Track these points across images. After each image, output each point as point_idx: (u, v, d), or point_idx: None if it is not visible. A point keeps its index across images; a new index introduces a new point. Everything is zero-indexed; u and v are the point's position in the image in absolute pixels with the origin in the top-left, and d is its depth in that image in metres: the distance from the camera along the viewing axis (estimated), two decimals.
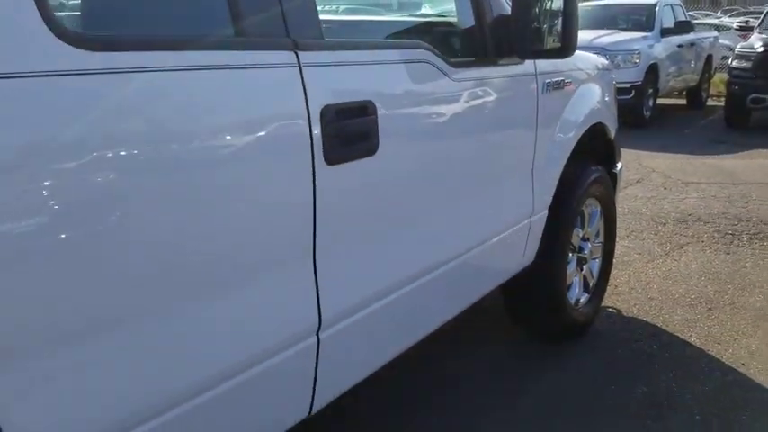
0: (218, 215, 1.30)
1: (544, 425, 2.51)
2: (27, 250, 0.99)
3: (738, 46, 10.01)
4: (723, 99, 10.26)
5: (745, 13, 30.82)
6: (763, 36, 9.47)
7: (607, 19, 10.60)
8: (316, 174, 1.48)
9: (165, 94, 1.19)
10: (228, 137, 1.30)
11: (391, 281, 1.78)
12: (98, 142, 1.08)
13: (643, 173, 6.67)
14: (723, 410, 2.60)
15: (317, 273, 1.54)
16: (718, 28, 16.08)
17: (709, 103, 12.12)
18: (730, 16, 30.24)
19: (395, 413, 2.56)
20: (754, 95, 8.94)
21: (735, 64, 9.41)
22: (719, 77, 12.78)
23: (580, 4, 9.76)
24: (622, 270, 3.99)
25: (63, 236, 1.04)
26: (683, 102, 12.05)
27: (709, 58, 11.85)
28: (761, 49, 9.01)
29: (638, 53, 9.30)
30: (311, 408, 1.63)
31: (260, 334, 1.43)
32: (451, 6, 2.26)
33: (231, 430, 1.43)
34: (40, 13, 1.01)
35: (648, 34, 9.94)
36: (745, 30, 13.16)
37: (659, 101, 10.34)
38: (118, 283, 1.13)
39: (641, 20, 10.46)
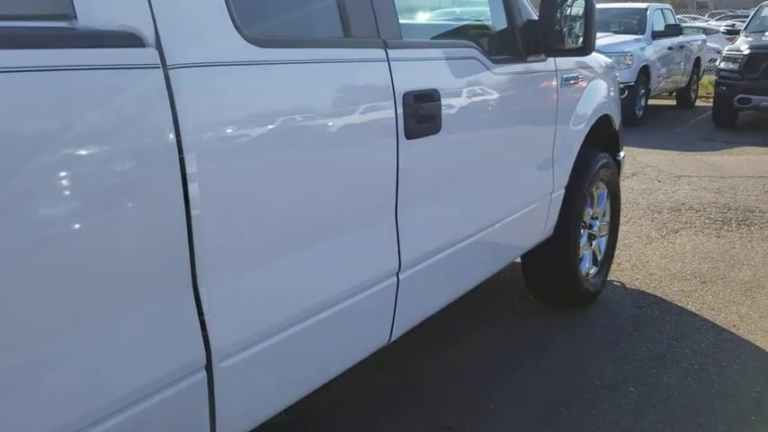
0: (332, 177, 1.69)
1: (563, 372, 2.91)
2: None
3: (726, 48, 10.48)
4: (711, 100, 10.72)
5: (732, 17, 31.46)
6: (749, 39, 9.93)
7: (601, 22, 11.04)
8: (399, 146, 1.87)
9: (307, 81, 1.58)
10: (344, 116, 1.69)
11: (453, 236, 2.19)
12: (268, 115, 1.48)
13: (638, 167, 7.09)
14: (717, 361, 3.01)
15: (398, 225, 1.94)
16: (705, 31, 16.61)
17: (698, 103, 12.61)
18: (717, 20, 30.86)
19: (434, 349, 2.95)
20: (740, 96, 9.39)
21: (722, 66, 9.86)
22: (708, 79, 13.28)
23: None
24: (624, 251, 4.40)
25: (256, 181, 1.46)
26: (672, 102, 12.53)
27: (697, 60, 12.33)
28: (747, 52, 9.46)
29: (631, 55, 9.74)
30: (390, 336, 2.03)
31: (360, 270, 1.82)
32: (489, 12, 2.66)
33: (335, 346, 1.82)
34: (235, 24, 1.40)
35: (640, 37, 10.40)
36: (732, 33, 13.66)
37: (650, 101, 10.78)
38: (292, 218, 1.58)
39: (633, 23, 10.92)
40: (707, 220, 5.18)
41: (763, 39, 9.72)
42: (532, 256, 3.20)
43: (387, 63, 1.84)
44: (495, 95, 2.38)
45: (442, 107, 2.03)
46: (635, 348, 3.13)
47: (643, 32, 10.54)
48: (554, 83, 2.83)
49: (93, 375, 1.23)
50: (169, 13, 1.30)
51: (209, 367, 1.43)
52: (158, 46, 1.27)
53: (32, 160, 1.09)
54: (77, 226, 1.17)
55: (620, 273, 4.04)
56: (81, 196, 1.16)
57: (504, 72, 2.43)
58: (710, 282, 3.93)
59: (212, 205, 1.37)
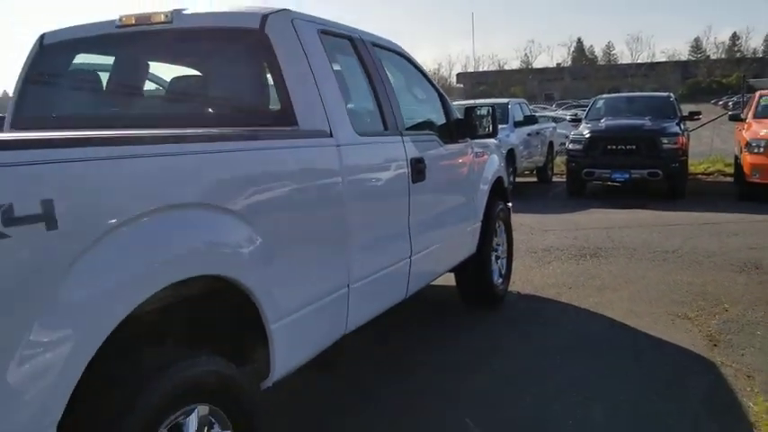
0: (386, 199, 3.35)
1: (487, 336, 4.59)
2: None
3: (572, 133, 13.02)
4: (564, 175, 13.17)
5: (575, 106, 35.92)
6: (589, 125, 12.50)
7: None
8: (410, 187, 3.55)
9: (376, 151, 3.26)
10: (390, 169, 3.37)
11: (436, 239, 3.88)
12: (363, 166, 3.13)
13: (515, 225, 8.91)
14: (582, 324, 4.82)
15: (411, 231, 3.59)
16: (555, 119, 19.69)
17: (554, 179, 15.14)
18: (564, 108, 35.19)
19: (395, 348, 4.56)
20: (586, 170, 11.80)
21: (571, 147, 12.33)
22: (560, 159, 15.94)
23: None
24: (515, 275, 6.18)
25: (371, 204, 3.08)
26: (534, 179, 14.98)
27: (551, 144, 14.95)
28: (588, 135, 11.96)
29: (499, 140, 11.99)
30: (407, 293, 3.65)
31: (393, 254, 3.45)
32: (437, 114, 4.42)
33: (389, 288, 3.41)
34: (352, 126, 3.06)
35: (505, 126, 12.71)
36: (576, 121, 16.48)
37: (517, 179, 13.06)
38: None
39: (497, 115, 13.28)
40: (569, 255, 7.14)
41: (599, 125, 12.29)
42: (462, 271, 4.92)
43: (402, 143, 3.54)
44: (446, 161, 4.15)
45: (426, 166, 3.74)
46: (529, 323, 4.89)
47: (507, 122, 12.89)
48: (471, 155, 4.64)
49: (320, 278, 2.78)
50: (335, 123, 2.94)
51: (349, 286, 3.00)
52: (332, 136, 2.91)
53: (293, 185, 2.68)
54: (309, 217, 2.75)
55: (515, 286, 5.83)
56: (319, 205, 2.77)
57: (449, 148, 4.21)
58: (574, 287, 5.80)
59: (351, 207, 2.97)
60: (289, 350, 2.56)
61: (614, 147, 11.66)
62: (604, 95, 15.71)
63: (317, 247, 2.77)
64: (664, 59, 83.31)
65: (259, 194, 2.40)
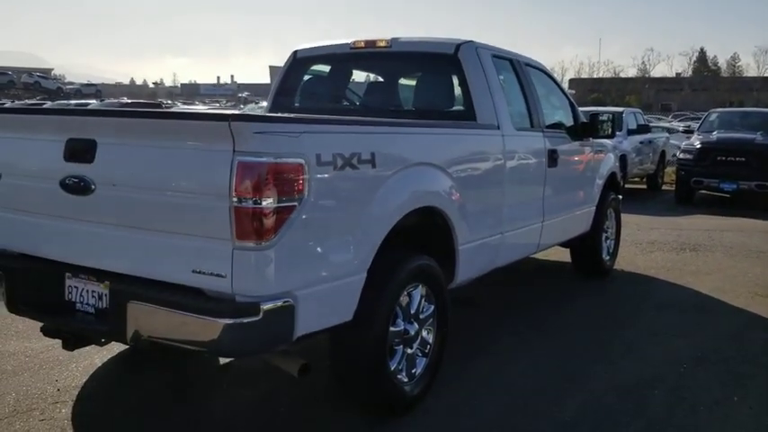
0: (529, 178, 4.64)
1: (599, 300, 5.79)
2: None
3: (683, 143, 13.78)
4: (674, 185, 13.91)
5: (692, 119, 35.69)
6: (701, 137, 13.24)
7: None
8: (546, 170, 4.82)
9: (526, 142, 4.56)
10: (536, 157, 4.65)
11: (563, 210, 5.14)
12: (518, 151, 4.44)
13: (623, 224, 10.06)
14: (675, 292, 5.92)
15: (544, 203, 4.86)
16: (669, 130, 20.21)
17: (664, 188, 15.82)
18: (680, 120, 35.07)
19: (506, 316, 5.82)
20: (695, 178, 12.57)
21: (681, 156, 13.12)
22: (670, 169, 16.57)
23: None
24: (621, 259, 7.30)
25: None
26: (643, 186, 15.74)
27: (663, 153, 15.66)
28: (699, 146, 12.72)
29: (613, 147, 12.94)
30: (538, 247, 4.93)
31: (531, 218, 4.73)
32: (568, 118, 5.65)
33: (513, 248, 4.66)
34: (512, 125, 4.37)
35: (619, 133, 13.62)
36: (689, 132, 17.09)
37: (626, 185, 13.91)
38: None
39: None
40: (670, 248, 8.16)
41: (710, 137, 13.00)
42: (576, 247, 6.13)
43: (543, 137, 4.82)
44: (573, 154, 5.39)
45: (558, 156, 4.99)
46: (632, 293, 6.04)
47: (620, 130, 13.78)
48: (592, 152, 5.84)
49: (486, 223, 4.11)
50: (501, 120, 4.26)
51: (502, 233, 4.31)
52: (499, 129, 4.23)
53: (476, 157, 4.02)
54: (483, 181, 4.08)
55: (619, 266, 6.96)
56: (489, 173, 4.11)
57: (575, 144, 5.44)
58: (672, 270, 6.87)
59: (508, 178, 4.28)
60: (465, 267, 3.90)
61: (724, 158, 12.34)
62: (718, 109, 16.26)
63: (487, 201, 4.11)
64: None
65: (458, 161, 3.76)
